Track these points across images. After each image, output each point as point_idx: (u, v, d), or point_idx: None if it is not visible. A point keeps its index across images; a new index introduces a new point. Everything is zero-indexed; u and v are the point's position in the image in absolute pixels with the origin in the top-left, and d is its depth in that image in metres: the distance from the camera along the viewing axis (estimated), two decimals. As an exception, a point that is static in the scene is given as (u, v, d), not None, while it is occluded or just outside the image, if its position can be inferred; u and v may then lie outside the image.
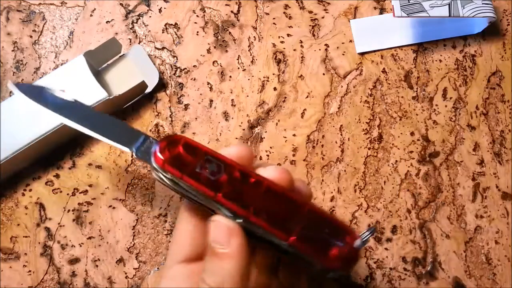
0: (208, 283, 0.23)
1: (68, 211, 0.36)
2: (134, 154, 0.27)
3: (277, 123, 0.39)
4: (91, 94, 0.35)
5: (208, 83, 0.39)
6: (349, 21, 0.41)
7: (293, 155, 0.38)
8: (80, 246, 0.36)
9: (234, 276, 0.23)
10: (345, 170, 0.38)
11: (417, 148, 0.39)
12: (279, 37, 0.40)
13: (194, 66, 0.39)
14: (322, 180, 0.38)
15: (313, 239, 0.25)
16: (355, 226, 0.37)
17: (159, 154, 0.26)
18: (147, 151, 0.27)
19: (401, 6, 0.37)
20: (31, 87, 0.31)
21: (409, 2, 0.37)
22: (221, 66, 0.39)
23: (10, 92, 0.38)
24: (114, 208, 0.36)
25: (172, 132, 0.38)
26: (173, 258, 0.26)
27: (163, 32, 0.40)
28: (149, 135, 0.28)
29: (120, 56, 0.38)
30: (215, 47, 0.40)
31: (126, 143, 0.28)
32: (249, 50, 0.40)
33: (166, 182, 0.26)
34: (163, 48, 0.40)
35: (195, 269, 0.25)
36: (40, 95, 0.29)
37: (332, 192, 0.37)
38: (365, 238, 0.26)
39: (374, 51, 0.40)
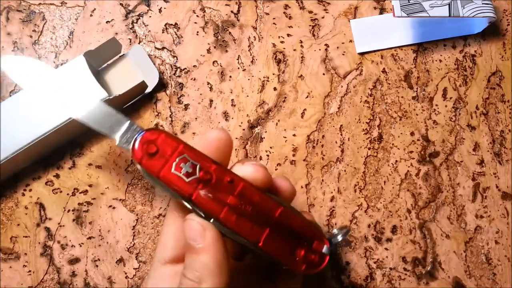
0: (189, 278, 0.24)
1: (68, 211, 0.36)
2: (116, 143, 0.27)
3: (277, 123, 0.39)
4: (91, 94, 0.35)
5: (208, 83, 0.39)
6: (349, 21, 0.41)
7: (293, 155, 0.38)
8: (80, 246, 0.36)
9: (212, 268, 0.24)
10: (345, 170, 0.38)
11: (417, 148, 0.39)
12: (279, 37, 0.40)
13: (194, 66, 0.39)
14: (322, 180, 0.38)
15: (280, 243, 0.26)
16: (355, 226, 0.37)
17: (137, 150, 0.26)
18: (129, 141, 0.27)
19: (401, 6, 0.37)
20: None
21: (409, 2, 0.37)
22: (221, 66, 0.39)
23: (10, 92, 0.38)
24: (114, 208, 0.36)
25: (173, 132, 0.38)
26: (159, 258, 0.27)
27: (163, 32, 0.40)
28: (133, 123, 0.27)
29: (120, 56, 0.38)
30: (215, 47, 0.40)
31: (109, 130, 0.27)
32: (249, 50, 0.40)
33: (146, 176, 0.26)
34: (163, 48, 0.40)
35: (179, 270, 0.26)
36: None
37: (332, 192, 0.37)
38: (336, 242, 0.27)
39: (374, 51, 0.40)
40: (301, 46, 0.40)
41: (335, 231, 0.27)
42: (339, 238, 0.27)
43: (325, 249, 0.26)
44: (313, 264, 0.26)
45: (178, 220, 0.27)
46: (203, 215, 0.25)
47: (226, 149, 0.27)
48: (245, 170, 0.26)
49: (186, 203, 0.26)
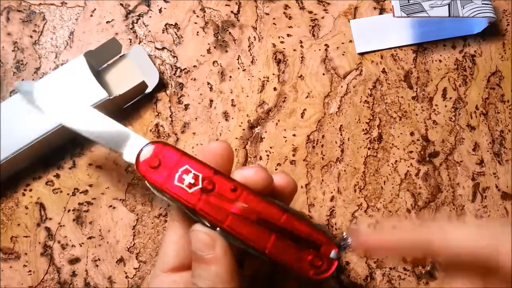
0: (200, 286, 0.24)
1: (68, 211, 0.36)
2: (123, 157, 0.28)
3: (277, 123, 0.39)
4: (91, 94, 0.35)
5: (208, 83, 0.39)
6: (349, 21, 0.41)
7: (293, 155, 0.38)
8: (80, 246, 0.36)
9: (225, 277, 0.24)
10: (345, 170, 0.38)
11: (417, 148, 0.39)
12: (279, 37, 0.40)
13: (194, 66, 0.39)
14: (322, 180, 0.38)
15: (288, 249, 0.25)
16: (355, 226, 0.37)
17: (141, 163, 0.26)
18: (133, 155, 0.27)
19: (401, 6, 0.37)
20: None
21: (409, 2, 0.37)
22: (221, 66, 0.39)
23: (10, 92, 0.38)
24: (114, 208, 0.36)
25: (172, 132, 0.38)
26: (160, 267, 0.27)
27: (163, 32, 0.40)
28: (137, 134, 0.28)
29: (120, 56, 0.38)
30: (215, 47, 0.40)
31: (115, 145, 0.28)
32: (249, 50, 0.40)
33: (151, 189, 0.27)
34: (163, 48, 0.40)
35: (180, 279, 0.26)
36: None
37: (332, 192, 0.37)
38: (346, 246, 0.26)
39: (374, 51, 0.40)
40: (301, 46, 0.40)
41: (344, 235, 0.27)
42: (349, 241, 0.26)
43: (333, 254, 0.26)
44: (321, 270, 0.26)
45: (180, 229, 0.27)
46: (208, 225, 0.25)
47: (227, 161, 0.28)
48: (245, 174, 0.26)
49: (191, 214, 0.26)
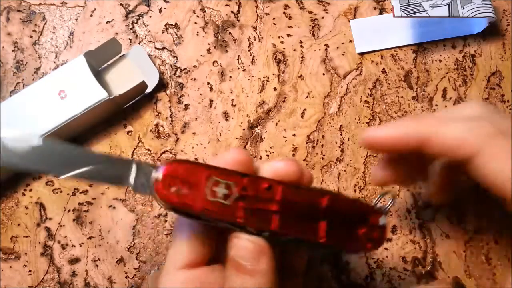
0: None
1: (68, 211, 0.36)
2: (132, 190, 0.25)
3: (277, 123, 0.39)
4: (91, 94, 0.35)
5: (208, 83, 0.39)
6: (349, 21, 0.41)
7: (293, 155, 0.38)
8: (80, 246, 0.36)
9: None
10: (345, 170, 0.38)
11: (417, 148, 0.39)
12: (279, 37, 0.40)
13: (194, 66, 0.39)
14: (322, 180, 0.38)
15: (341, 231, 0.24)
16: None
17: (162, 190, 0.23)
18: (146, 183, 0.24)
19: (401, 6, 0.37)
20: None
21: (409, 2, 0.37)
22: (221, 66, 0.40)
23: (10, 92, 0.38)
24: (114, 208, 0.36)
25: (172, 132, 0.38)
26: (173, 264, 0.26)
27: (163, 32, 0.40)
28: (141, 161, 0.25)
29: (120, 56, 0.38)
30: (215, 47, 0.40)
31: (118, 180, 0.24)
32: (249, 50, 0.40)
33: (177, 214, 0.24)
34: (163, 48, 0.40)
35: (195, 275, 0.25)
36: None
37: (332, 192, 0.37)
38: (386, 210, 0.25)
39: (374, 51, 0.40)
40: (301, 46, 0.40)
41: (378, 200, 0.26)
42: (389, 204, 0.25)
43: (381, 220, 0.25)
44: (376, 239, 0.25)
45: (191, 224, 0.26)
46: (254, 232, 0.24)
47: (247, 167, 0.25)
48: (277, 168, 0.25)
49: (234, 227, 0.24)
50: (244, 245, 0.23)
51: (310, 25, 0.41)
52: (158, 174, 0.23)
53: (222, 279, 0.25)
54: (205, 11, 0.40)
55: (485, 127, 0.24)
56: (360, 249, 0.25)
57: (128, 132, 0.38)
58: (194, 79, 0.39)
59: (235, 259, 0.24)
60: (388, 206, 0.26)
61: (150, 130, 0.38)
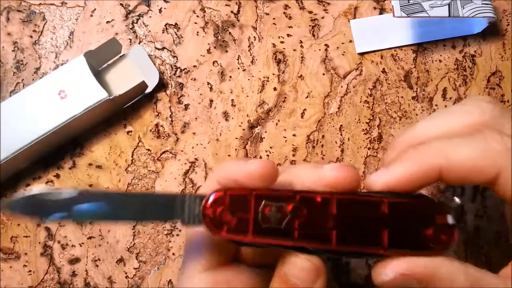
0: None
1: (68, 211, 0.36)
2: (182, 224, 0.24)
3: (277, 123, 0.39)
4: (91, 94, 0.35)
5: (208, 83, 0.39)
6: (349, 21, 0.41)
7: (293, 155, 0.38)
8: (80, 246, 0.36)
9: None
10: (345, 170, 0.38)
11: (417, 148, 0.39)
12: (279, 37, 0.40)
13: (194, 66, 0.39)
14: (322, 180, 0.38)
15: (406, 237, 0.22)
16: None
17: (211, 227, 0.22)
18: (194, 216, 0.22)
19: (401, 6, 0.37)
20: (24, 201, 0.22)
21: (409, 2, 0.37)
22: (221, 66, 0.40)
23: (10, 92, 0.38)
24: (114, 208, 0.36)
25: (172, 132, 0.38)
26: (195, 267, 0.25)
27: (163, 32, 0.40)
28: (185, 194, 0.24)
29: (120, 56, 0.38)
30: (215, 47, 0.40)
31: (166, 218, 0.24)
32: (249, 50, 0.40)
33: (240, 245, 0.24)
34: (163, 48, 0.40)
35: (219, 277, 0.25)
36: (37, 208, 0.22)
37: (332, 192, 0.37)
38: (456, 206, 0.23)
39: (374, 51, 0.40)
40: (301, 46, 0.40)
41: (447, 197, 0.24)
42: (457, 200, 0.24)
43: (450, 219, 0.22)
44: (446, 241, 0.22)
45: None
46: (313, 251, 0.22)
47: (272, 179, 0.23)
48: (331, 176, 0.22)
49: (292, 251, 0.22)
50: (301, 265, 0.22)
51: (310, 25, 0.41)
52: (204, 209, 0.22)
53: (250, 280, 0.25)
54: (205, 11, 0.40)
55: (495, 142, 0.22)
56: (431, 254, 0.22)
57: (128, 132, 0.38)
58: (194, 79, 0.39)
59: (288, 276, 0.22)
60: (456, 201, 0.23)
61: (150, 130, 0.38)
